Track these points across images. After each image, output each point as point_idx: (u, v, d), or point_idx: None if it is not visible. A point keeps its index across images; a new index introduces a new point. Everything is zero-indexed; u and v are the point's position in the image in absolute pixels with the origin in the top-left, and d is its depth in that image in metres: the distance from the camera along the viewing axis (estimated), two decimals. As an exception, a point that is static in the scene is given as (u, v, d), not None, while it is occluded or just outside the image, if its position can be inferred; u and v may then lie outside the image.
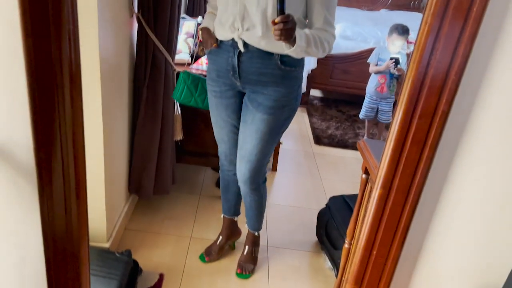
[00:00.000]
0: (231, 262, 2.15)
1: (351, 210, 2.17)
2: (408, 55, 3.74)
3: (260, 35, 1.58)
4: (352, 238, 1.67)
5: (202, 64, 2.41)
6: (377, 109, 3.62)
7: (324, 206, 2.40)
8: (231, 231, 2.20)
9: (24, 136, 0.75)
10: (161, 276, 1.98)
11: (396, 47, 3.40)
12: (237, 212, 2.18)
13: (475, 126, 0.85)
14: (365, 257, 0.98)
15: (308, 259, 2.29)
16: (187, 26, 2.60)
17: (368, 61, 3.58)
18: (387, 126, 4.02)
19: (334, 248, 2.17)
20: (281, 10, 1.38)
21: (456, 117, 0.85)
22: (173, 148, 2.39)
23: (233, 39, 1.65)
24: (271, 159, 3.08)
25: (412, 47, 4.06)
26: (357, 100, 4.58)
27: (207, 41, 1.76)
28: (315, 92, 4.86)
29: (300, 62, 1.70)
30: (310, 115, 4.28)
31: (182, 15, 2.79)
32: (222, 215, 2.19)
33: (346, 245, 1.72)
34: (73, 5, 0.66)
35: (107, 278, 1.65)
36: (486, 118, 0.83)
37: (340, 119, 4.28)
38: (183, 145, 2.53)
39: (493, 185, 0.84)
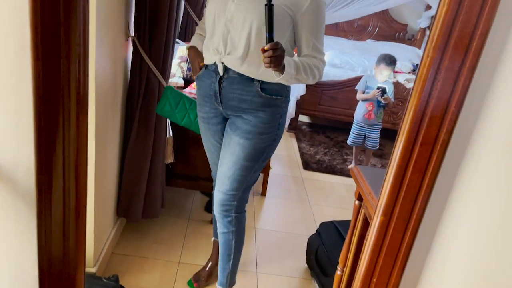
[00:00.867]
0: (220, 289, 2.12)
1: (342, 237, 2.17)
2: (394, 84, 3.83)
3: (240, 56, 1.57)
4: (344, 265, 1.66)
5: (195, 88, 2.42)
6: (365, 135, 3.67)
7: (313, 232, 2.39)
8: (221, 256, 2.16)
9: (26, 158, 0.73)
10: (149, 303, 1.93)
11: (383, 77, 3.49)
12: (227, 237, 2.15)
13: (474, 155, 0.87)
14: (365, 285, 0.98)
15: (297, 286, 2.26)
16: (181, 50, 2.63)
17: (356, 88, 3.66)
18: (374, 153, 4.08)
19: (324, 275, 2.15)
20: (270, 38, 1.38)
21: (456, 145, 0.88)
22: (164, 171, 2.38)
23: (215, 63, 1.65)
24: (259, 189, 3.08)
25: (398, 77, 4.20)
26: (345, 127, 4.64)
27: (194, 59, 1.76)
28: (304, 118, 4.92)
29: (282, 92, 1.67)
30: (298, 140, 4.32)
31: (176, 39, 2.82)
32: (212, 239, 2.17)
33: (338, 272, 1.72)
34: (85, 28, 0.67)
35: (94, 305, 1.61)
36: (485, 147, 0.86)
37: (328, 144, 4.32)
38: (174, 168, 2.51)
39: (492, 212, 0.86)
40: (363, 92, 3.58)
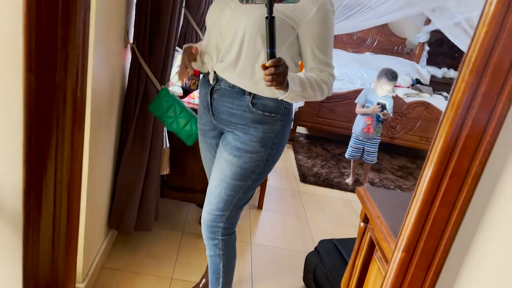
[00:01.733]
0: (214, 308, 2.02)
1: (342, 256, 2.10)
2: (393, 98, 3.79)
3: (230, 63, 1.46)
4: (347, 288, 1.59)
5: (194, 98, 2.36)
6: (363, 149, 3.62)
7: (310, 248, 2.32)
8: (216, 273, 2.07)
9: (14, 178, 0.66)
10: (139, 322, 1.84)
11: (384, 91, 3.45)
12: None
13: (506, 187, 0.81)
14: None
15: (294, 306, 2.18)
16: (180, 58, 2.56)
17: (355, 101, 3.61)
18: (372, 167, 4.02)
19: (322, 296, 2.07)
20: (271, 53, 1.21)
21: (487, 178, 0.81)
22: (159, 182, 2.29)
23: (208, 72, 1.57)
24: (255, 203, 3.00)
25: (397, 91, 4.15)
26: (342, 139, 4.60)
27: (182, 58, 1.59)
28: (301, 129, 4.87)
29: (277, 109, 1.51)
30: (296, 151, 4.26)
31: (176, 47, 2.75)
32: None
33: (340, 296, 1.64)
34: (85, 36, 0.59)
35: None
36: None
37: (325, 157, 4.26)
38: (169, 179, 2.43)
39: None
40: (363, 106, 3.53)
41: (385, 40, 6.01)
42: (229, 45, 1.47)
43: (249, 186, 1.60)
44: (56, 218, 0.71)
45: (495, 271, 0.84)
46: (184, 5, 2.73)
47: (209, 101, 1.57)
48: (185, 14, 2.80)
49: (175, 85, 2.45)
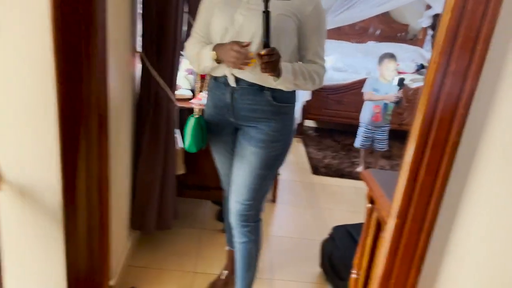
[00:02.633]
0: (236, 297, 2.13)
1: (355, 240, 2.18)
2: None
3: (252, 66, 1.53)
4: (359, 268, 1.67)
5: (201, 99, 2.46)
6: (373, 138, 3.67)
7: (326, 236, 2.40)
8: (236, 264, 2.18)
9: (51, 179, 0.76)
10: (167, 314, 1.95)
11: (390, 72, 3.49)
12: (241, 245, 2.16)
13: (484, 154, 0.89)
14: (383, 287, 0.99)
15: (313, 291, 2.27)
16: (186, 63, 2.66)
17: (362, 91, 3.66)
18: (383, 154, 4.07)
19: (339, 279, 2.16)
20: (266, 43, 1.42)
21: (466, 146, 0.89)
22: (175, 182, 2.40)
23: (225, 75, 1.66)
24: (269, 196, 3.09)
25: (402, 76, 4.14)
26: (351, 130, 4.65)
27: (232, 44, 1.51)
28: (310, 123, 4.93)
29: (292, 99, 1.71)
30: (306, 145, 4.33)
31: (181, 52, 2.86)
32: (226, 248, 2.18)
33: (353, 276, 1.73)
34: (104, 53, 0.70)
35: (114, 318, 1.63)
36: (494, 146, 0.87)
37: (335, 148, 4.33)
38: (184, 179, 2.54)
39: (505, 209, 0.87)
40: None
41: (387, 28, 6.03)
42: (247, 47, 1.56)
43: (272, 174, 1.79)
44: (90, 211, 0.82)
45: (483, 229, 0.92)
46: (187, 10, 2.83)
47: (228, 101, 1.68)
48: (188, 19, 2.90)
49: (183, 88, 2.55)
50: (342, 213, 3.10)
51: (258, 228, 1.87)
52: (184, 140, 1.85)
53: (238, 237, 1.85)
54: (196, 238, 2.57)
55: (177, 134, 2.35)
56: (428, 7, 5.70)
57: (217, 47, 1.59)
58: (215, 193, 2.56)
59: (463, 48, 0.78)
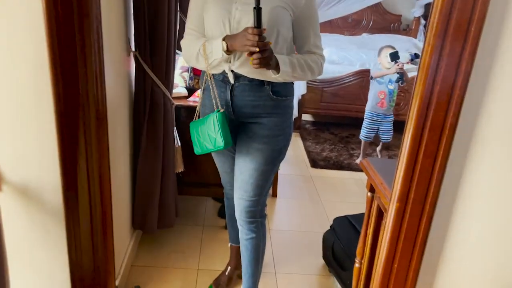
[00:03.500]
0: (241, 292, 2.14)
1: (356, 230, 2.19)
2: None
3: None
4: (362, 257, 1.68)
5: (199, 97, 2.46)
6: (378, 129, 3.68)
7: (327, 228, 2.41)
8: (239, 260, 2.18)
9: (52, 178, 0.77)
10: (172, 311, 1.95)
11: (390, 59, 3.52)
12: (244, 240, 2.17)
13: (482, 136, 0.89)
14: (386, 272, 1.00)
15: (317, 282, 2.28)
16: (182, 61, 2.66)
17: (371, 74, 3.66)
18: (385, 146, 4.08)
19: (342, 270, 2.17)
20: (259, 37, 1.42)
21: (464, 128, 0.90)
22: (175, 180, 2.41)
23: (223, 72, 1.65)
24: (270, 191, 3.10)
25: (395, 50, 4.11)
26: (348, 122, 4.67)
27: (242, 33, 1.48)
28: (307, 117, 4.94)
29: (291, 92, 1.73)
30: (303, 139, 4.35)
31: (176, 50, 2.86)
32: (229, 244, 2.19)
33: (356, 265, 1.73)
34: (99, 47, 0.70)
35: (120, 317, 1.63)
36: (491, 128, 0.88)
37: (333, 141, 4.34)
38: (184, 176, 2.54)
39: (504, 189, 0.88)
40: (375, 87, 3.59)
41: (380, 19, 6.03)
42: None
43: (276, 168, 1.79)
44: (92, 208, 0.82)
45: (484, 208, 0.93)
46: (178, 8, 2.82)
47: (228, 99, 1.67)
48: (180, 17, 2.90)
49: (179, 86, 2.55)
50: (342, 204, 3.11)
51: (264, 223, 1.88)
52: (214, 139, 1.68)
53: (245, 234, 1.85)
54: (198, 235, 2.57)
55: (176, 131, 2.35)
56: (420, -4, 5.71)
57: (228, 37, 1.55)
58: (215, 189, 2.57)
59: (457, 29, 0.79)
